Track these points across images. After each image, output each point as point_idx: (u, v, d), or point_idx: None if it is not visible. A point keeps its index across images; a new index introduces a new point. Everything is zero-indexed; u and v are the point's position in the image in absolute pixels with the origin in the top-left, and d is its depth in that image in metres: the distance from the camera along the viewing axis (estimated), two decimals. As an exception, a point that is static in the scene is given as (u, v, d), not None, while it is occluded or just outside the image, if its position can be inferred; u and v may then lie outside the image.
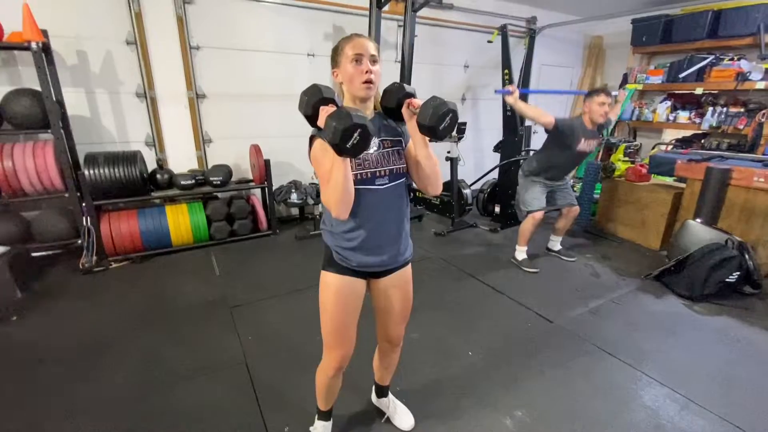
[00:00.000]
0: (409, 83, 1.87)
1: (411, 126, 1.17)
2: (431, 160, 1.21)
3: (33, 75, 2.88)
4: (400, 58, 4.57)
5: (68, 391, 1.88)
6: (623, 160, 4.29)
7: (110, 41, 3.37)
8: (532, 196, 3.21)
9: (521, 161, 3.83)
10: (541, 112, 2.94)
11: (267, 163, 3.74)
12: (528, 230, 3.27)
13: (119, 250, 3.27)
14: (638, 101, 5.54)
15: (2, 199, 2.95)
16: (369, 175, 1.20)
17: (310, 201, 4.00)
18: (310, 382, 1.54)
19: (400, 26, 4.61)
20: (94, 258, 3.18)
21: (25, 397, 1.84)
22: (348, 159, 1.07)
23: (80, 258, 3.14)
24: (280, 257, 3.52)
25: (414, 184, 1.34)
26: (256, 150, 3.74)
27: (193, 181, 3.50)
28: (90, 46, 3.31)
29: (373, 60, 1.17)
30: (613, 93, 3.04)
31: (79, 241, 3.21)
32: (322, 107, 1.11)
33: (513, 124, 4.12)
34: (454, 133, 4.02)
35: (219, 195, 3.89)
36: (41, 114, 2.86)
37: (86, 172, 3.02)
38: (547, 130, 3.00)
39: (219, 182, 3.59)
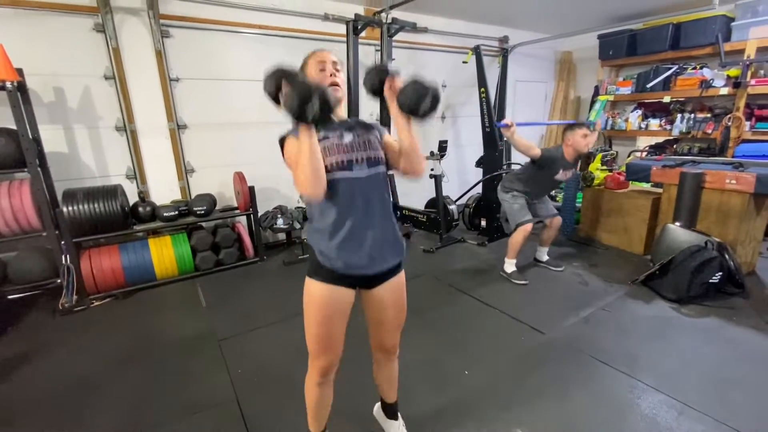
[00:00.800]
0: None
1: (393, 108, 1.19)
2: (413, 140, 1.23)
3: (8, 114, 2.84)
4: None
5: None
6: (601, 169, 4.41)
7: (88, 77, 3.36)
8: (519, 209, 3.28)
9: (503, 174, 3.91)
10: (531, 145, 3.10)
11: (251, 189, 3.72)
12: (518, 242, 3.31)
13: (101, 287, 3.17)
14: (611, 111, 5.75)
15: (-25, 241, 2.85)
16: (345, 162, 1.20)
17: (297, 225, 3.98)
18: (302, 410, 1.49)
19: (377, 50, 4.73)
20: (75, 297, 3.07)
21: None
22: (313, 131, 1.07)
23: (60, 298, 3.03)
24: (268, 284, 3.46)
25: (399, 168, 1.32)
26: (239, 177, 3.72)
27: (177, 212, 3.45)
28: (67, 82, 3.29)
29: (336, 68, 1.27)
30: (592, 124, 3.43)
31: (59, 281, 3.10)
32: (284, 82, 1.09)
33: (493, 139, 4.22)
34: (436, 151, 4.09)
35: (204, 225, 3.84)
36: (17, 153, 2.80)
37: (65, 209, 2.95)
38: (532, 160, 3.17)
39: (203, 212, 3.55)
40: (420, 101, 1.11)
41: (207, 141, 3.98)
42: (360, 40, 4.09)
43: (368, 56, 4.69)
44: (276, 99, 1.16)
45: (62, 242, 3.02)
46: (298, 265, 3.84)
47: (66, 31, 3.21)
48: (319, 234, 1.26)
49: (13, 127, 2.81)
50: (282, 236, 4.54)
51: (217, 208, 3.84)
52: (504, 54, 4.86)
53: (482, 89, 4.18)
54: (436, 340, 2.49)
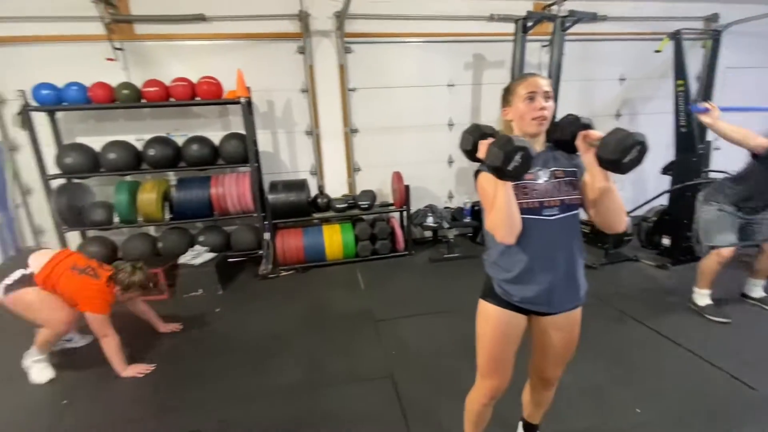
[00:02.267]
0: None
1: (588, 159, 1.12)
2: (613, 193, 1.13)
3: (238, 122, 3.77)
4: (544, 78, 4.41)
5: (243, 378, 2.30)
6: None
7: (290, 91, 4.16)
8: (719, 229, 2.62)
9: (701, 185, 3.19)
10: (748, 133, 2.39)
11: (407, 188, 3.99)
12: (711, 270, 2.67)
13: (287, 261, 3.91)
14: None
15: (214, 216, 3.87)
16: (537, 204, 1.18)
17: (445, 225, 4.09)
18: (459, 409, 1.55)
19: (543, 46, 4.45)
20: (270, 266, 3.87)
21: (212, 376, 2.33)
22: (510, 183, 1.09)
23: (259, 265, 3.87)
24: (416, 277, 3.67)
25: (591, 219, 1.24)
26: (397, 176, 4.04)
27: (346, 205, 3.98)
28: (276, 96, 4.15)
29: (547, 96, 1.18)
30: None
31: (260, 252, 3.95)
32: (481, 141, 1.17)
33: (690, 141, 3.47)
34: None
35: (364, 217, 4.32)
36: (243, 152, 3.68)
37: (270, 197, 3.74)
38: (755, 155, 2.44)
39: (366, 206, 3.99)
40: (625, 154, 1.01)
41: (372, 143, 4.45)
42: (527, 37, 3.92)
43: (533, 53, 4.45)
44: (470, 154, 1.23)
45: (266, 222, 3.84)
46: (443, 263, 3.96)
47: (277, 54, 4.05)
48: (499, 268, 1.27)
49: (242, 132, 3.71)
50: (428, 233, 4.74)
51: (376, 203, 4.26)
52: (714, 36, 3.94)
53: (680, 81, 3.47)
54: (601, 368, 2.23)
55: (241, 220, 4.14)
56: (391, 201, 4.49)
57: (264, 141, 4.22)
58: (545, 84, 1.18)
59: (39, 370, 2.31)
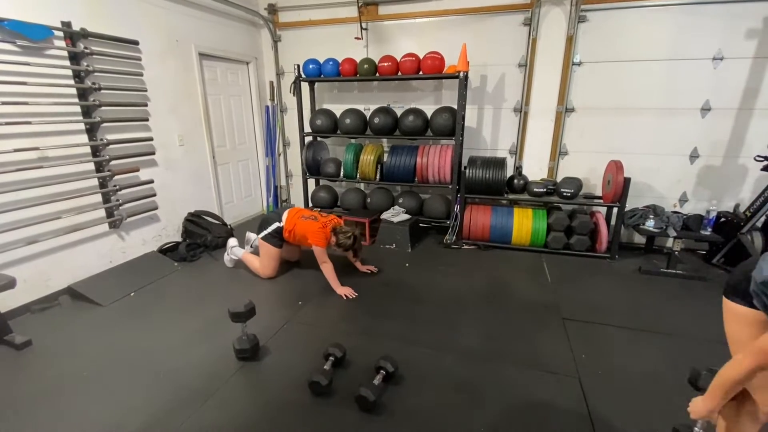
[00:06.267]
0: None
1: None
2: None
3: (449, 96, 3.94)
4: None
5: (427, 327, 2.51)
6: None
7: (506, 65, 4.05)
8: None
9: None
10: None
11: (627, 181, 3.42)
12: None
13: (472, 236, 3.98)
14: None
15: (414, 183, 4.25)
16: None
17: (672, 233, 3.33)
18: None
19: None
20: (453, 238, 4.03)
21: (409, 324, 2.62)
22: None
23: (445, 235, 4.08)
24: (619, 286, 3.17)
25: None
26: (617, 166, 3.49)
27: (545, 190, 3.71)
28: (491, 71, 4.12)
29: None
30: None
31: (448, 222, 4.15)
32: None
33: None
34: None
35: (561, 206, 3.95)
36: (452, 125, 3.85)
37: (467, 171, 3.84)
38: None
39: (569, 194, 3.63)
40: None
41: (588, 125, 3.95)
42: None
43: None
44: None
45: (458, 195, 3.98)
46: (657, 277, 3.28)
47: (500, 28, 3.96)
48: None
49: (454, 106, 3.86)
50: (640, 239, 3.98)
51: (579, 193, 3.82)
52: None
53: None
54: None
55: (435, 189, 4.41)
56: (597, 193, 3.95)
57: (470, 116, 4.29)
58: None
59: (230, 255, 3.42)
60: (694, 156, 3.73)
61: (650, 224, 3.41)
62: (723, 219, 3.42)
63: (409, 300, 2.91)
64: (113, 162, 3.12)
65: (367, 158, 4.21)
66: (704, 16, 3.40)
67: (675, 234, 3.30)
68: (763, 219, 3.26)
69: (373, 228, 4.08)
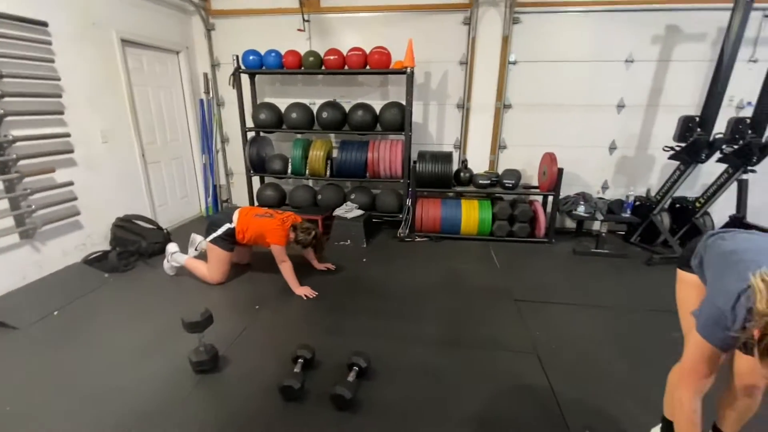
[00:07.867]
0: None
1: None
2: None
3: (395, 92, 3.99)
4: (755, 57, 3.61)
5: (391, 320, 2.55)
6: None
7: (448, 63, 4.20)
8: None
9: None
10: None
11: (560, 171, 3.74)
12: None
13: (424, 228, 4.09)
14: None
15: (365, 178, 4.24)
16: None
17: (599, 216, 3.73)
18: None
19: (766, 16, 3.59)
20: (407, 231, 4.11)
21: (373, 319, 2.62)
22: None
23: (398, 228, 4.14)
24: (558, 267, 3.48)
25: None
26: (551, 158, 3.80)
27: (489, 182, 3.93)
28: (434, 67, 4.24)
29: None
30: None
31: (400, 216, 4.22)
32: None
33: None
34: None
35: (504, 197, 4.21)
36: (401, 120, 3.90)
37: (417, 166, 3.92)
38: None
39: (510, 185, 3.89)
40: None
41: (523, 121, 4.25)
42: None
43: (751, 26, 3.60)
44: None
45: (409, 189, 4.06)
46: (588, 257, 3.66)
47: (442, 26, 4.09)
48: None
49: (402, 101, 3.92)
50: (571, 223, 4.40)
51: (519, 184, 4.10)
52: None
53: None
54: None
55: (386, 184, 4.45)
56: (534, 183, 4.28)
57: (416, 111, 4.37)
58: None
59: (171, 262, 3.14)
60: (612, 148, 4.21)
61: (581, 209, 3.78)
62: (638, 203, 3.90)
63: (370, 295, 2.91)
64: (22, 162, 2.69)
65: (317, 154, 4.11)
66: (617, 22, 3.82)
67: (602, 217, 3.70)
68: (669, 201, 3.79)
69: (326, 225, 4.01)
